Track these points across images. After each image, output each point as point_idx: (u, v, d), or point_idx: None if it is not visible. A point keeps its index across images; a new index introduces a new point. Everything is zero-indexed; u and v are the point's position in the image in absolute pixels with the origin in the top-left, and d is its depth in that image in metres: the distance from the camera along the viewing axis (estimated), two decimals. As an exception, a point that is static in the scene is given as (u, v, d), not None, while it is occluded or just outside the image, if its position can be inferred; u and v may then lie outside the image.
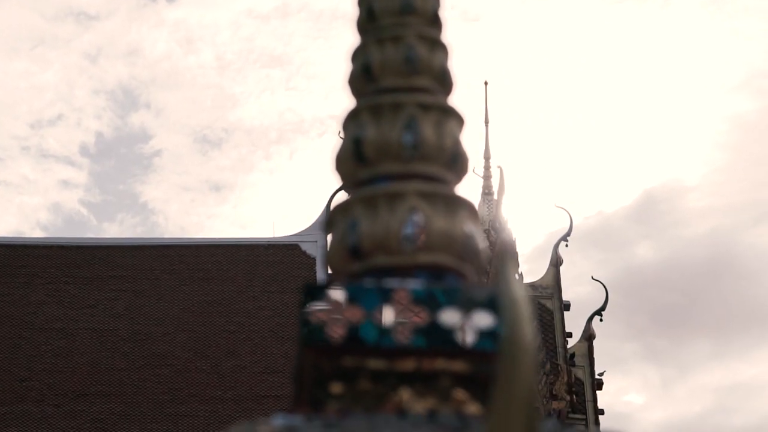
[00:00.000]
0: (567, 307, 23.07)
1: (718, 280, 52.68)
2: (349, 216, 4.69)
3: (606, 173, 61.27)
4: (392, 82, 4.85)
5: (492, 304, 4.48)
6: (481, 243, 4.72)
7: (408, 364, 4.40)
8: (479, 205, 23.89)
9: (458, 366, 4.43)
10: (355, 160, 4.78)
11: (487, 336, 4.43)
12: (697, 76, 60.09)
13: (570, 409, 21.79)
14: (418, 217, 4.63)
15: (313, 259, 26.30)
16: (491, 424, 3.42)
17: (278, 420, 4.17)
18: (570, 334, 22.83)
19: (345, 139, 4.84)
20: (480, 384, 4.43)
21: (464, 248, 4.69)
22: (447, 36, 5.01)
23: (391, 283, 4.47)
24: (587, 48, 60.80)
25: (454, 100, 4.97)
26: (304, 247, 26.63)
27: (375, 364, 4.41)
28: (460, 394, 4.39)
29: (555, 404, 21.51)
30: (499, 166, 22.94)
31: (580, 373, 22.59)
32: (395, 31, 4.91)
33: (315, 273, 26.10)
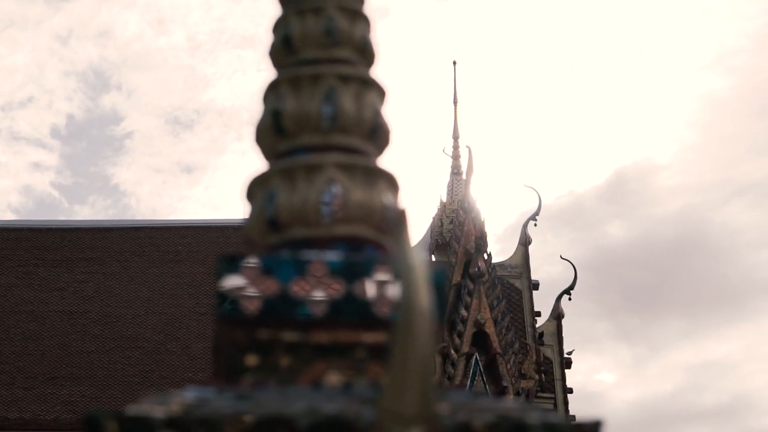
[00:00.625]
0: (536, 286, 23.05)
1: (689, 259, 52.80)
2: (267, 188, 4.66)
3: (577, 152, 61.14)
4: (312, 53, 4.81)
5: (409, 276, 4.45)
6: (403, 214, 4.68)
7: (323, 337, 4.38)
8: (448, 185, 23.84)
9: (375, 337, 4.40)
10: (274, 132, 4.74)
11: (403, 307, 4.41)
12: (668, 54, 60.04)
13: (539, 388, 21.79)
14: (336, 189, 4.60)
15: (284, 240, 26.21)
16: (386, 394, 3.40)
17: (191, 392, 4.14)
18: (539, 314, 22.82)
19: (264, 111, 4.80)
20: (396, 355, 4.41)
21: (383, 220, 4.66)
22: (369, 7, 4.97)
23: (308, 255, 4.45)
24: (558, 27, 60.59)
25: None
26: (274, 228, 26.55)
27: (290, 336, 4.38)
28: (376, 365, 4.37)
29: (523, 383, 21.52)
30: (467, 146, 22.91)
31: (548, 352, 22.57)
32: (316, 2, 4.87)
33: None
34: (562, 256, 23.82)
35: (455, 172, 23.71)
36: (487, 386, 21.48)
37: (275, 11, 4.96)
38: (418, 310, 3.35)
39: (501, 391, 21.43)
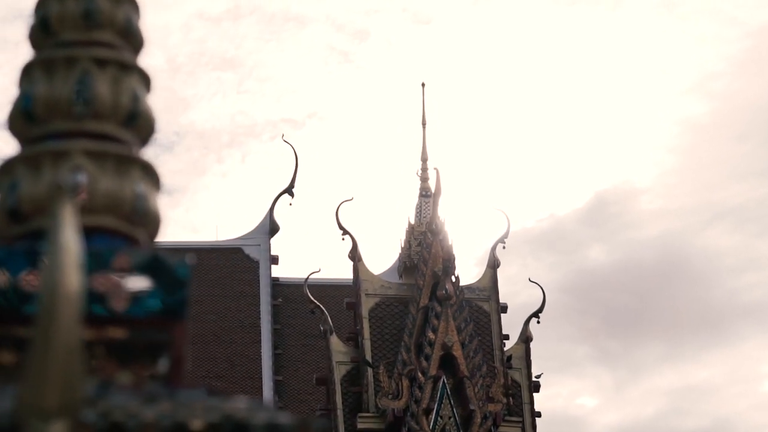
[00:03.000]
0: (504, 309, 22.70)
1: (670, 283, 52.58)
2: (11, 176, 4.40)
3: (558, 176, 60.87)
4: (70, 35, 4.56)
5: (150, 269, 4.19)
6: (155, 204, 4.43)
7: (54, 332, 4.11)
8: (417, 207, 23.56)
9: (111, 333, 4.14)
10: (25, 118, 4.49)
11: (140, 301, 4.15)
12: (649, 78, 59.90)
13: (506, 412, 21.44)
14: (82, 177, 4.35)
15: (257, 263, 25.93)
16: (26, 385, 3.13)
17: None
18: (507, 337, 22.45)
19: (18, 96, 4.55)
20: (133, 352, 4.15)
21: (134, 210, 4.40)
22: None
23: (44, 246, 4.18)
24: (538, 50, 60.14)
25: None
26: (247, 250, 26.30)
27: (21, 332, 4.12)
28: (108, 361, 4.11)
29: (491, 407, 21.15)
30: (435, 168, 22.66)
31: (517, 375, 22.23)
32: (77, -17, 4.63)
33: (258, 276, 25.70)
34: (531, 279, 23.51)
35: (424, 194, 23.41)
36: (454, 409, 21.19)
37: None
38: (64, 295, 3.08)
39: (468, 415, 21.14)
